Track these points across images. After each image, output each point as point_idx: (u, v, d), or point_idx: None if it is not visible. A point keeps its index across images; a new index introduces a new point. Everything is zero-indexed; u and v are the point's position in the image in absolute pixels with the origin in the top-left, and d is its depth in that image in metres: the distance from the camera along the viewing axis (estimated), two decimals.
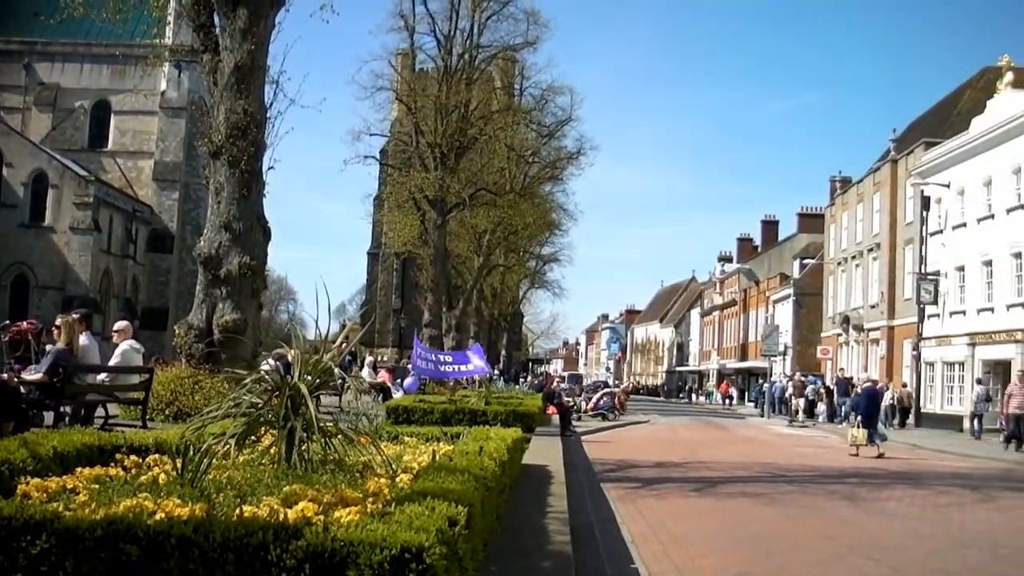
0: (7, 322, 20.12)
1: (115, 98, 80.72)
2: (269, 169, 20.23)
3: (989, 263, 46.00)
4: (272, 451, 7.68)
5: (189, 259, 63.90)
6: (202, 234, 20.38)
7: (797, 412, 53.55)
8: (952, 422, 44.09)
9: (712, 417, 60.28)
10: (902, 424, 47.23)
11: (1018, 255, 43.37)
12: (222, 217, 19.03)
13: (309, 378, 7.84)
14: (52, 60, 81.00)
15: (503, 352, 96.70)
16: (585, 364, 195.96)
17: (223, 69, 18.98)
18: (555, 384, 43.04)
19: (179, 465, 6.78)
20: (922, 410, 48.64)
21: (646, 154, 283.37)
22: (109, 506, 5.46)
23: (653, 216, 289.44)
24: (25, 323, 19.31)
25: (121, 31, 62.16)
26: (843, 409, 48.03)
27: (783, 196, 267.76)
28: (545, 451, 18.52)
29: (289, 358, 8.38)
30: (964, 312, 48.27)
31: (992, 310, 45.58)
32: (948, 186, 49.88)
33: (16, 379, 13.84)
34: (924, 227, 50.76)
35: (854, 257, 65.31)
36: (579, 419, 40.10)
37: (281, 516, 5.41)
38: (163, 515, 5.23)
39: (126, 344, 16.04)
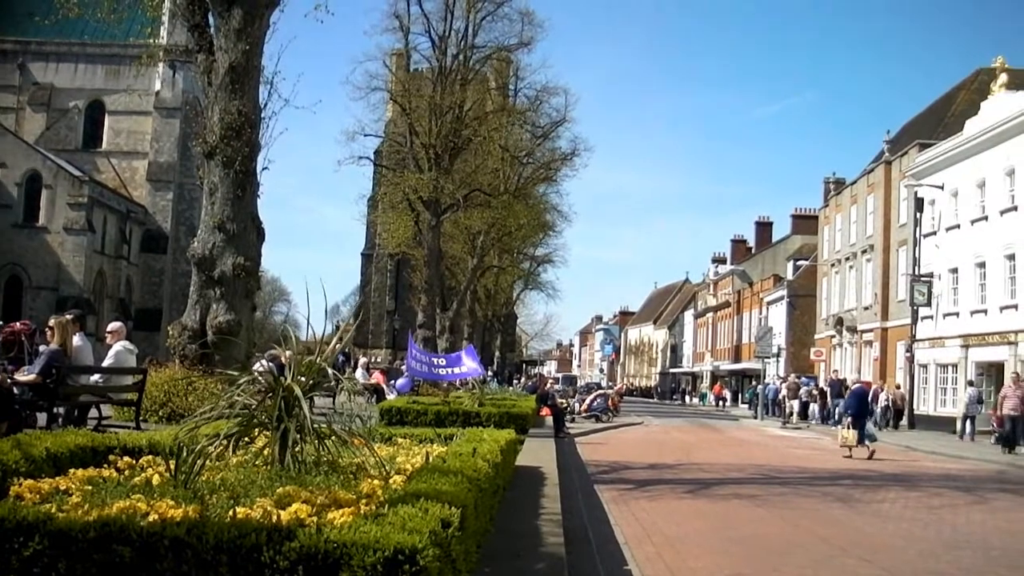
0: (0, 323, 20.11)
1: (109, 98, 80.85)
2: (263, 170, 20.30)
3: (982, 265, 46.05)
4: (266, 452, 7.67)
5: (183, 260, 64.00)
6: (196, 235, 20.38)
7: (791, 414, 53.54)
8: (945, 424, 44.10)
9: (706, 419, 60.24)
10: (895, 426, 47.26)
11: (1011, 257, 43.42)
12: (216, 218, 19.04)
13: (303, 379, 7.84)
14: (46, 60, 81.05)
15: (497, 353, 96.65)
16: (579, 365, 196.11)
17: (218, 69, 19.00)
18: (549, 386, 43.11)
19: (172, 466, 6.78)
20: (915, 412, 48.64)
21: (640, 156, 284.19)
22: (102, 508, 5.45)
23: (647, 217, 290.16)
24: (18, 324, 19.32)
25: (115, 31, 62.41)
26: (837, 411, 48.06)
27: (777, 197, 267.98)
28: (539, 453, 18.52)
29: (283, 359, 8.39)
30: (957, 314, 48.32)
31: (985, 312, 45.62)
32: (942, 188, 49.93)
33: (9, 380, 13.81)
34: (918, 229, 50.80)
35: (848, 258, 65.37)
36: (573, 421, 40.14)
37: (274, 518, 5.41)
38: (156, 517, 5.23)
39: (119, 345, 16.02)
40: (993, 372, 45.23)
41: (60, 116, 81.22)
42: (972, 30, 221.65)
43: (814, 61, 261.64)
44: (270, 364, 11.85)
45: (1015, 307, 43.01)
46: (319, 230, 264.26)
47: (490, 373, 59.93)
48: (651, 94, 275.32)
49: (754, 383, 74.41)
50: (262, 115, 19.90)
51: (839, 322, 65.12)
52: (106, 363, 15.93)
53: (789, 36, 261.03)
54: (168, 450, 7.37)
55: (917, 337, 50.11)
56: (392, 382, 36.02)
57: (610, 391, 56.96)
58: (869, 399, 36.94)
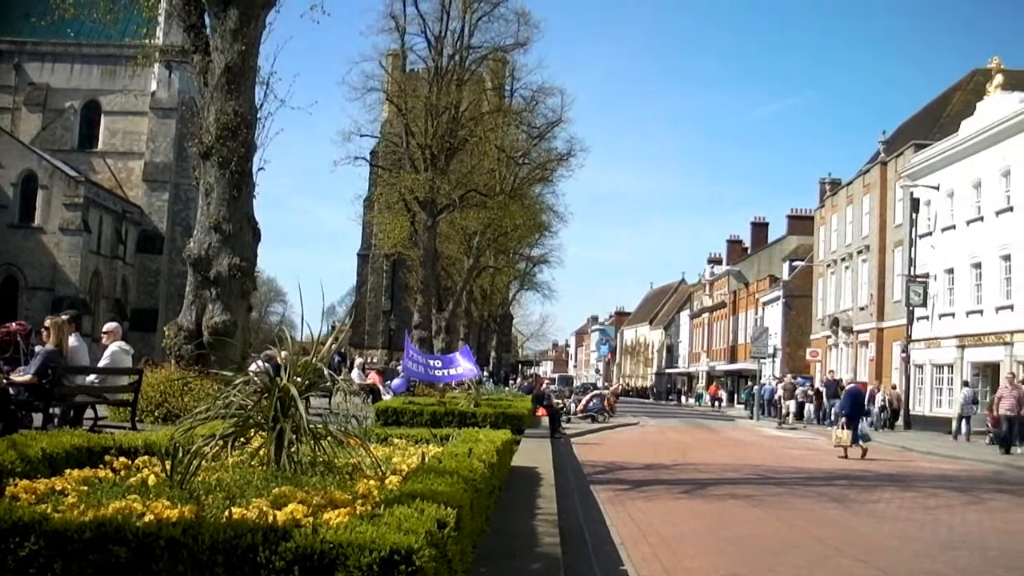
0: None
1: (105, 98, 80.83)
2: (259, 170, 20.29)
3: (978, 265, 46.08)
4: (261, 453, 7.68)
5: (179, 260, 64.03)
6: (192, 235, 20.37)
7: (787, 414, 53.57)
8: (941, 424, 44.15)
9: (701, 419, 60.27)
10: (891, 426, 47.31)
11: (1007, 257, 43.46)
12: (212, 218, 19.03)
13: (299, 380, 7.84)
14: (42, 60, 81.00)
15: (493, 354, 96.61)
16: (575, 366, 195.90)
17: (213, 70, 18.99)
18: (545, 386, 43.04)
19: (168, 467, 6.78)
20: (911, 412, 48.68)
21: (636, 156, 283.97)
22: (98, 508, 5.45)
23: (642, 218, 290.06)
24: (14, 324, 19.24)
25: (111, 31, 62.25)
26: (833, 411, 48.10)
27: (773, 198, 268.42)
28: (535, 453, 18.52)
29: (279, 360, 8.38)
30: (953, 314, 48.35)
31: (981, 312, 45.66)
32: (938, 188, 49.98)
33: (5, 380, 13.81)
34: (913, 229, 50.86)
35: (843, 259, 65.39)
36: (569, 421, 40.14)
37: (270, 518, 5.42)
38: (152, 517, 5.23)
39: (115, 345, 16.01)
40: (989, 372, 45.28)
41: (56, 116, 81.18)
42: (970, 30, 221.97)
43: (812, 61, 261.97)
44: (266, 364, 11.85)
45: (1011, 307, 43.04)
46: (315, 230, 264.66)
47: (486, 374, 59.89)
48: (648, 94, 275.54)
49: (750, 383, 74.39)
50: (258, 116, 19.89)
51: (835, 322, 65.14)
52: (102, 363, 15.91)
53: (787, 36, 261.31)
54: (164, 450, 7.37)
55: (913, 337, 50.17)
56: (388, 382, 36.05)
57: (606, 391, 56.97)
58: (864, 400, 36.98)
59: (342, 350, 57.03)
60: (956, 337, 47.52)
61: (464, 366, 27.20)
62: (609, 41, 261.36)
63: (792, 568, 11.05)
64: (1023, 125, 42.87)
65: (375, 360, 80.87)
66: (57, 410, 14.68)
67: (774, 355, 72.40)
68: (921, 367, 51.17)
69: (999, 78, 46.85)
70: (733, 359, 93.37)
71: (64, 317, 15.11)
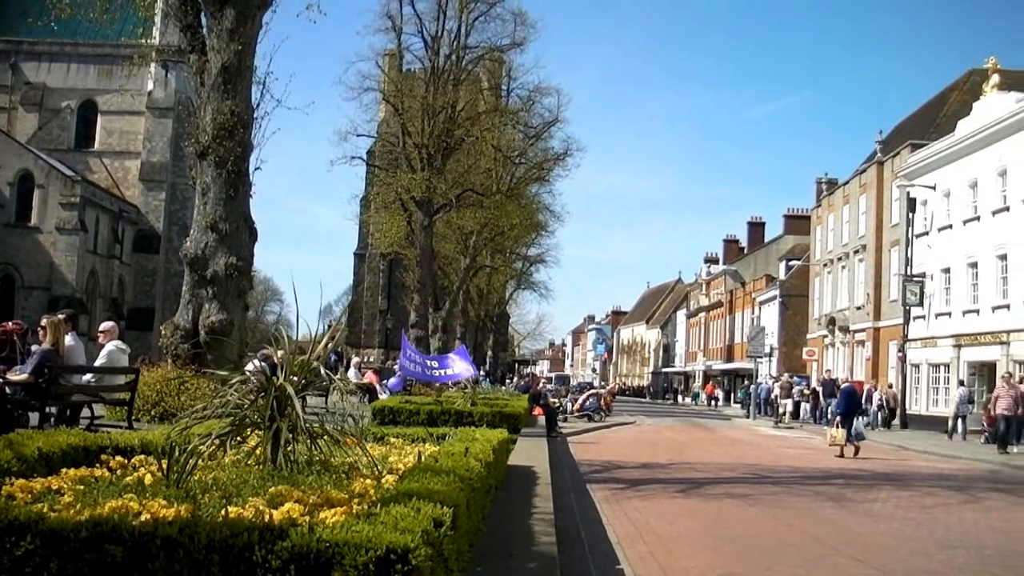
0: None
1: (102, 98, 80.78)
2: (256, 170, 20.27)
3: (974, 265, 46.12)
4: (258, 452, 7.67)
5: (175, 259, 63.84)
6: (188, 235, 20.36)
7: (784, 413, 53.60)
8: (938, 423, 44.16)
9: (698, 418, 60.30)
10: (888, 425, 47.34)
11: (1003, 257, 43.50)
12: (208, 218, 19.02)
13: (295, 379, 7.84)
14: (39, 60, 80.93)
15: (489, 353, 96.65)
16: (571, 365, 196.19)
17: (210, 69, 18.98)
18: (541, 385, 43.05)
19: (165, 466, 6.77)
20: (908, 411, 48.75)
21: (633, 156, 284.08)
22: (94, 507, 5.45)
23: (639, 218, 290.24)
24: (10, 323, 19.25)
25: (108, 31, 62.34)
26: (830, 410, 48.12)
27: (769, 198, 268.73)
28: (531, 452, 18.54)
29: (275, 359, 8.39)
30: (949, 314, 48.39)
31: (977, 312, 45.69)
32: (934, 188, 50.03)
33: (1, 379, 13.81)
34: (910, 229, 50.88)
35: (840, 259, 65.42)
36: (565, 420, 40.12)
37: (266, 517, 5.41)
38: (148, 516, 5.22)
39: (112, 345, 16.00)
40: (985, 372, 45.32)
41: (52, 116, 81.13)
42: (967, 30, 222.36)
43: (808, 61, 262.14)
44: (262, 364, 11.85)
45: (1007, 307, 43.08)
46: (312, 230, 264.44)
47: (482, 373, 59.93)
48: (645, 94, 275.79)
49: (746, 383, 74.48)
50: (254, 115, 19.89)
51: (831, 322, 65.19)
52: (98, 363, 15.90)
53: (783, 36, 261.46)
54: (160, 449, 7.37)
55: (909, 337, 50.20)
56: (385, 381, 36.06)
57: (602, 391, 56.91)
58: (861, 399, 36.98)
59: (338, 349, 57.04)
60: (952, 336, 47.56)
61: (461, 366, 27.22)
62: (606, 41, 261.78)
63: (789, 567, 11.05)
64: (1019, 125, 42.92)
65: (371, 359, 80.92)
66: (53, 409, 14.68)
67: (770, 354, 72.46)
68: (917, 366, 51.23)
69: (996, 78, 46.89)
70: (729, 358, 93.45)
71: (60, 316, 15.11)
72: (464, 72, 53.16)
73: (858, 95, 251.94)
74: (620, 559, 11.16)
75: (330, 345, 9.40)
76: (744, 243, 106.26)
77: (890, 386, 50.94)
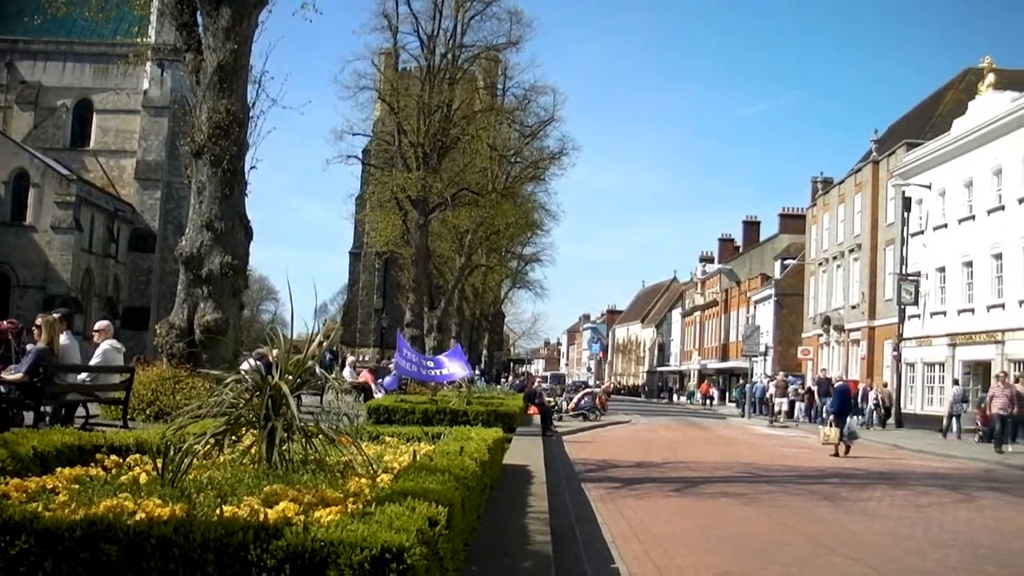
0: None
1: (97, 97, 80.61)
2: (251, 169, 20.28)
3: (970, 264, 46.17)
4: (253, 451, 7.66)
5: (171, 258, 63.75)
6: (184, 233, 20.36)
7: (779, 412, 53.61)
8: (933, 422, 44.17)
9: (693, 417, 60.33)
10: (883, 424, 47.37)
11: (998, 256, 43.54)
12: (204, 216, 19.02)
13: (290, 378, 7.83)
14: (34, 58, 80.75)
15: (484, 352, 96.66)
16: (566, 364, 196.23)
17: (206, 68, 18.98)
18: (536, 384, 43.09)
19: (160, 465, 6.77)
20: (903, 410, 48.77)
21: (628, 155, 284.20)
22: (89, 506, 5.44)
23: (634, 217, 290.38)
24: (5, 322, 19.28)
25: (104, 30, 62.27)
26: (825, 409, 48.13)
27: (765, 197, 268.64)
28: (526, 451, 18.52)
29: (270, 358, 8.39)
30: (944, 313, 48.43)
31: (972, 311, 45.74)
32: (929, 187, 50.06)
33: None
34: (905, 228, 50.90)
35: (835, 258, 65.47)
36: (560, 419, 40.16)
37: (261, 516, 5.41)
38: (143, 515, 5.21)
39: (107, 343, 15.99)
40: (980, 371, 45.37)
41: (48, 115, 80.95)
42: (961, 29, 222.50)
43: (803, 59, 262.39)
44: (258, 363, 11.85)
45: (1002, 306, 43.13)
46: (307, 229, 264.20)
47: (477, 372, 59.94)
48: (640, 93, 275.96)
49: (741, 382, 74.48)
50: (250, 114, 19.89)
51: (826, 321, 65.24)
52: (93, 361, 15.89)
53: (777, 34, 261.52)
54: (155, 449, 7.35)
55: (904, 336, 50.24)
56: (380, 380, 36.01)
57: (597, 389, 56.99)
58: (857, 398, 37.05)
59: (334, 348, 57.01)
60: (947, 335, 47.61)
61: (457, 366, 27.19)
62: (600, 41, 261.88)
63: (783, 566, 11.07)
64: (1015, 124, 42.96)
65: (367, 358, 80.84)
66: (48, 408, 14.67)
67: (765, 353, 72.46)
68: (912, 365, 51.27)
69: (991, 77, 46.95)
70: (725, 357, 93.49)
71: (56, 315, 15.09)
72: (460, 71, 53.22)
73: (852, 94, 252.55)
74: (615, 558, 11.17)
75: (325, 344, 9.40)
76: (739, 242, 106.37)
77: (885, 385, 50.97)
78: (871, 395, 48.57)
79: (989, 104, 45.89)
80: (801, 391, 55.32)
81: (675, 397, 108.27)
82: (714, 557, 11.47)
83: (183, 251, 19.44)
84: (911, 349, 50.68)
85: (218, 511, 5.44)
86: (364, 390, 32.89)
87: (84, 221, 72.31)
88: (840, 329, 63.16)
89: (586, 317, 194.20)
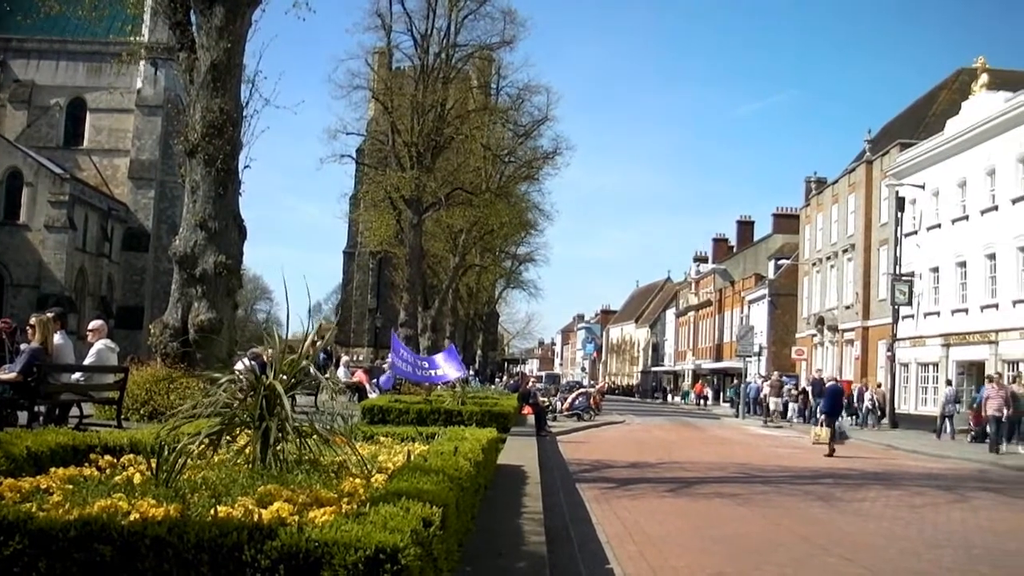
0: None
1: (91, 96, 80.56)
2: (245, 168, 20.23)
3: (963, 264, 46.21)
4: (247, 451, 7.66)
5: (165, 258, 63.72)
6: (178, 233, 20.32)
7: (774, 412, 53.64)
8: (927, 423, 44.22)
9: (687, 417, 60.35)
10: (877, 424, 47.42)
11: (992, 256, 43.59)
12: (198, 216, 18.99)
13: (284, 378, 7.82)
14: (27, 57, 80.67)
15: (479, 352, 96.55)
16: (561, 364, 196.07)
17: (199, 67, 18.95)
18: (531, 384, 43.07)
19: (154, 465, 6.76)
20: (896, 411, 48.78)
21: (622, 155, 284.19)
22: (83, 506, 5.43)
23: (628, 216, 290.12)
24: None
25: (97, 28, 62.06)
26: (819, 409, 48.17)
27: (758, 197, 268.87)
28: (520, 451, 18.52)
29: (265, 357, 8.38)
30: (938, 313, 48.47)
31: (966, 311, 45.78)
32: (923, 187, 50.11)
33: None
34: (899, 228, 50.95)
35: (829, 258, 65.51)
36: (554, 419, 40.15)
37: (256, 516, 5.40)
38: (137, 515, 5.20)
39: (101, 343, 15.96)
40: (974, 371, 45.39)
41: (41, 113, 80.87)
42: (957, 29, 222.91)
43: (797, 60, 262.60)
44: (252, 362, 11.84)
45: (996, 306, 43.17)
46: (301, 228, 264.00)
47: (472, 372, 59.92)
48: (639, 93, 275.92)
49: (735, 382, 74.56)
50: (244, 113, 19.86)
51: (820, 321, 65.28)
52: (87, 361, 15.87)
53: (773, 34, 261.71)
54: (150, 449, 7.35)
55: (898, 336, 50.25)
56: (375, 380, 36.02)
57: (592, 390, 56.95)
58: (852, 398, 37.10)
59: (328, 348, 57.03)
60: (941, 336, 47.65)
61: (451, 367, 27.18)
62: (599, 40, 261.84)
63: (778, 567, 11.07)
64: (1008, 124, 43.01)
65: (361, 358, 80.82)
66: (42, 408, 14.63)
67: (760, 353, 72.54)
68: (906, 366, 51.29)
69: (984, 77, 46.99)
70: (719, 357, 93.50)
71: (49, 315, 15.06)
72: (453, 70, 53.14)
73: (847, 94, 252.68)
74: (610, 558, 11.17)
75: (319, 344, 9.39)
76: (733, 242, 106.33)
77: (879, 385, 51.02)
78: (866, 396, 48.65)
79: (982, 104, 45.95)
80: (795, 391, 55.37)
81: (669, 397, 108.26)
82: (709, 557, 11.47)
83: (177, 250, 19.40)
84: (905, 349, 50.71)
85: (212, 511, 5.43)
86: (358, 390, 32.90)
87: (78, 220, 72.25)
88: (834, 329, 63.21)
89: (580, 317, 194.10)
